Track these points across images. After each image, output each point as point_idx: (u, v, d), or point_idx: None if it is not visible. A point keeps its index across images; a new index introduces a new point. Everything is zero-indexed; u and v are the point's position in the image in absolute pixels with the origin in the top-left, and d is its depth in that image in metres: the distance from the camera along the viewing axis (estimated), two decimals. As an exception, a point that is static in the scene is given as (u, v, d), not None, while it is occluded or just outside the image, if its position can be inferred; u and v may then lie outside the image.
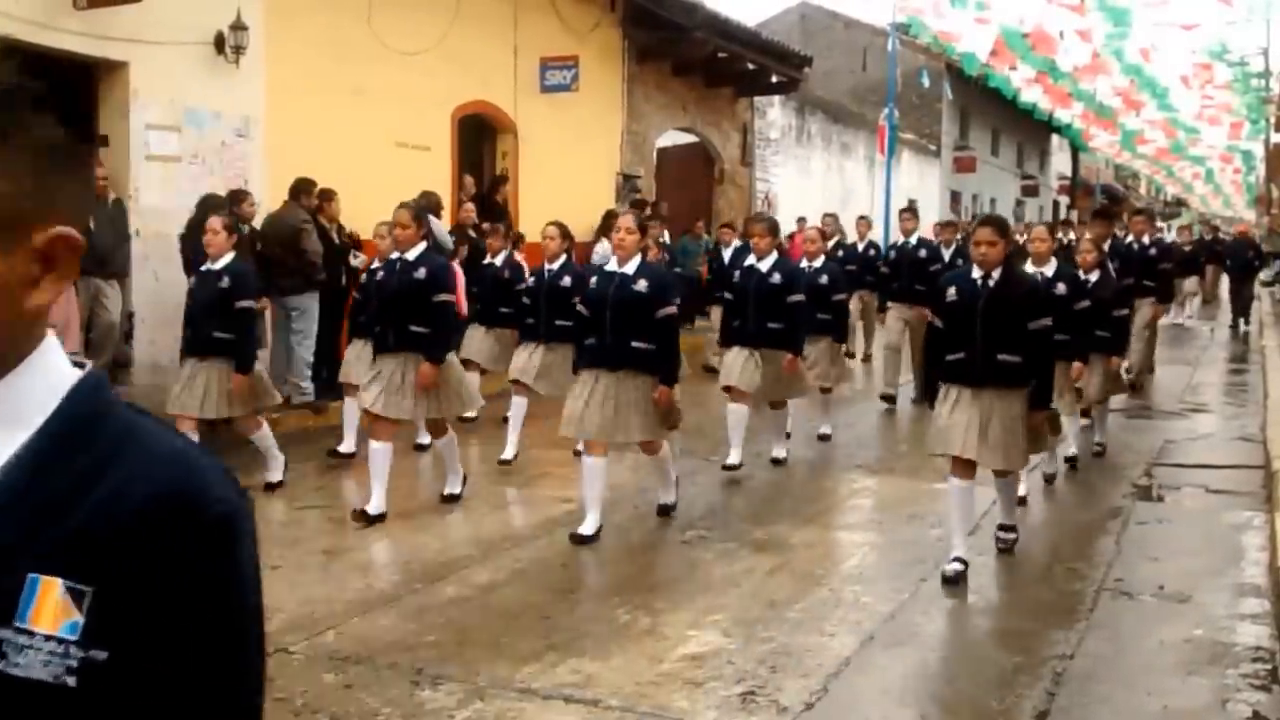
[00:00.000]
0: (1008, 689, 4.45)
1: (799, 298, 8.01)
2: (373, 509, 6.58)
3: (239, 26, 10.04)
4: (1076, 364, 7.25)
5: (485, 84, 13.69)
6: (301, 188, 9.67)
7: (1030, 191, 39.80)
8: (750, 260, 8.18)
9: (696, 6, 16.54)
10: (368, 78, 11.63)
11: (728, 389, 8.10)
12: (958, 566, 5.71)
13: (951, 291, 5.88)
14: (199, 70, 9.95)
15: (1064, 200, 45.31)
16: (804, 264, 9.23)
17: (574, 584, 5.79)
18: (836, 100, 27.11)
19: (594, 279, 6.62)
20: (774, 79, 19.62)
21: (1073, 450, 8.23)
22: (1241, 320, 20.64)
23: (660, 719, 4.13)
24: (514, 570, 5.86)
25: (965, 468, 5.79)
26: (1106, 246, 9.07)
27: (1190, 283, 20.47)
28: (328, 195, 9.95)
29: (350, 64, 11.43)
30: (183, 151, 9.83)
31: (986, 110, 34.50)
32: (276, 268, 9.16)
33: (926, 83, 27.24)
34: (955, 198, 33.76)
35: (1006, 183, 38.66)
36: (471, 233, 12.24)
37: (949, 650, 5.01)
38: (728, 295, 8.39)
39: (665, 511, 6.88)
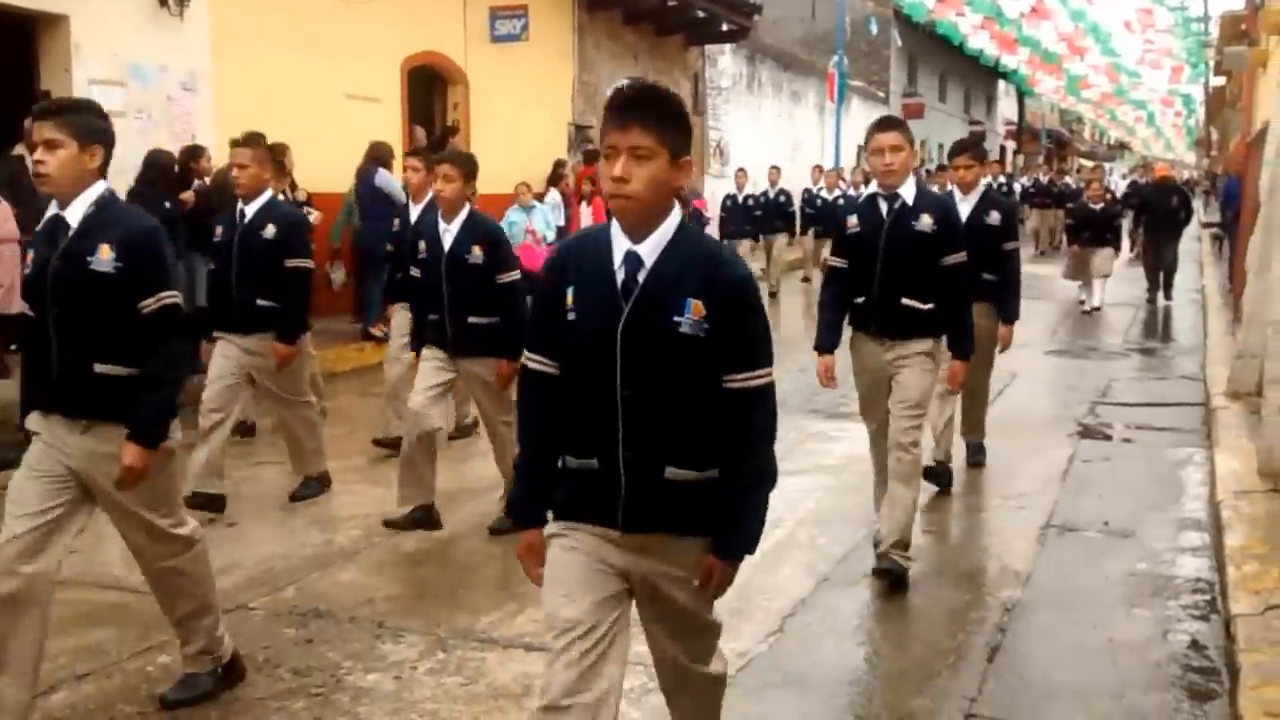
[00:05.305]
0: (959, 625, 4.59)
1: None
2: None
3: (182, -23, 9.90)
4: None
5: (435, 34, 13.56)
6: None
7: (977, 137, 40.02)
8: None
9: (645, -46, 16.43)
10: (315, 29, 11.49)
11: None
12: None
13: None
14: (142, 23, 9.80)
15: (1010, 145, 45.62)
16: None
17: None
18: (786, 48, 27.06)
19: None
20: (724, 27, 19.56)
21: None
22: (1160, 293, 15.54)
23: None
24: (473, 523, 5.90)
25: None
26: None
27: (1102, 257, 14.60)
28: (280, 150, 9.80)
29: (297, 15, 11.29)
30: (127, 107, 9.68)
31: (934, 56, 34.63)
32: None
33: (874, 30, 27.25)
34: (904, 144, 33.86)
35: (954, 128, 38.76)
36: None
37: (901, 589, 5.09)
38: None
39: None
